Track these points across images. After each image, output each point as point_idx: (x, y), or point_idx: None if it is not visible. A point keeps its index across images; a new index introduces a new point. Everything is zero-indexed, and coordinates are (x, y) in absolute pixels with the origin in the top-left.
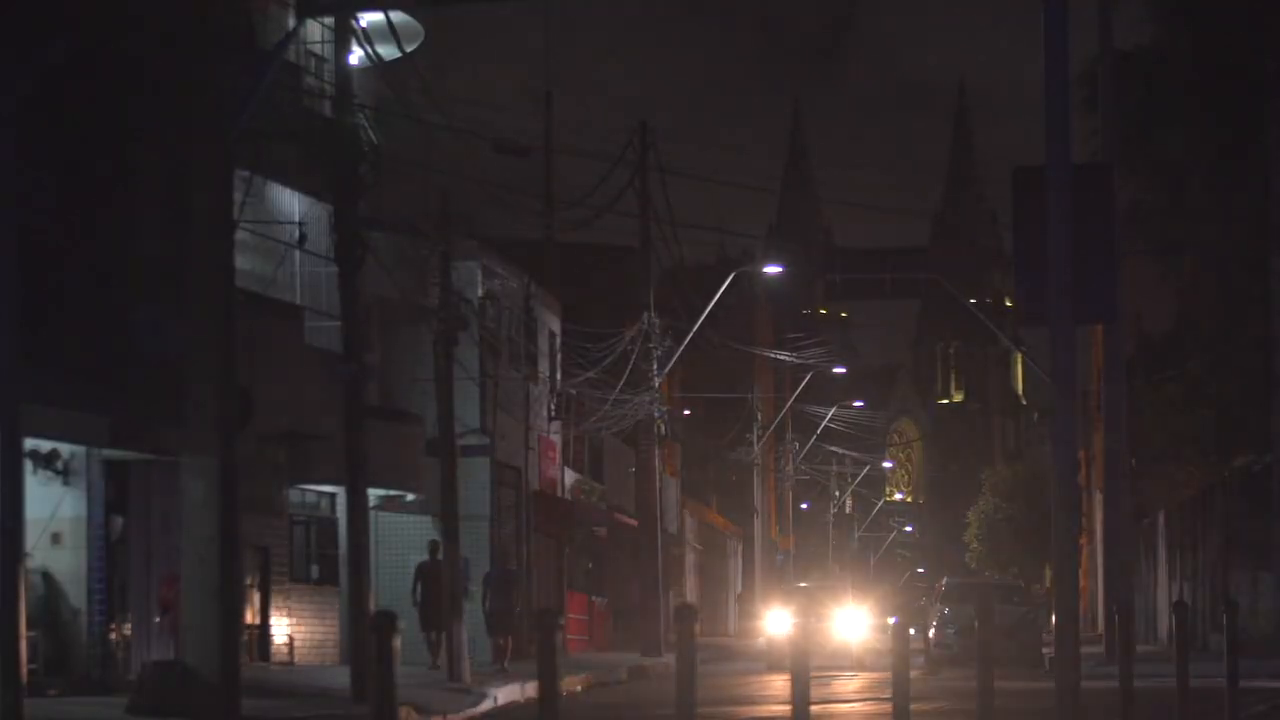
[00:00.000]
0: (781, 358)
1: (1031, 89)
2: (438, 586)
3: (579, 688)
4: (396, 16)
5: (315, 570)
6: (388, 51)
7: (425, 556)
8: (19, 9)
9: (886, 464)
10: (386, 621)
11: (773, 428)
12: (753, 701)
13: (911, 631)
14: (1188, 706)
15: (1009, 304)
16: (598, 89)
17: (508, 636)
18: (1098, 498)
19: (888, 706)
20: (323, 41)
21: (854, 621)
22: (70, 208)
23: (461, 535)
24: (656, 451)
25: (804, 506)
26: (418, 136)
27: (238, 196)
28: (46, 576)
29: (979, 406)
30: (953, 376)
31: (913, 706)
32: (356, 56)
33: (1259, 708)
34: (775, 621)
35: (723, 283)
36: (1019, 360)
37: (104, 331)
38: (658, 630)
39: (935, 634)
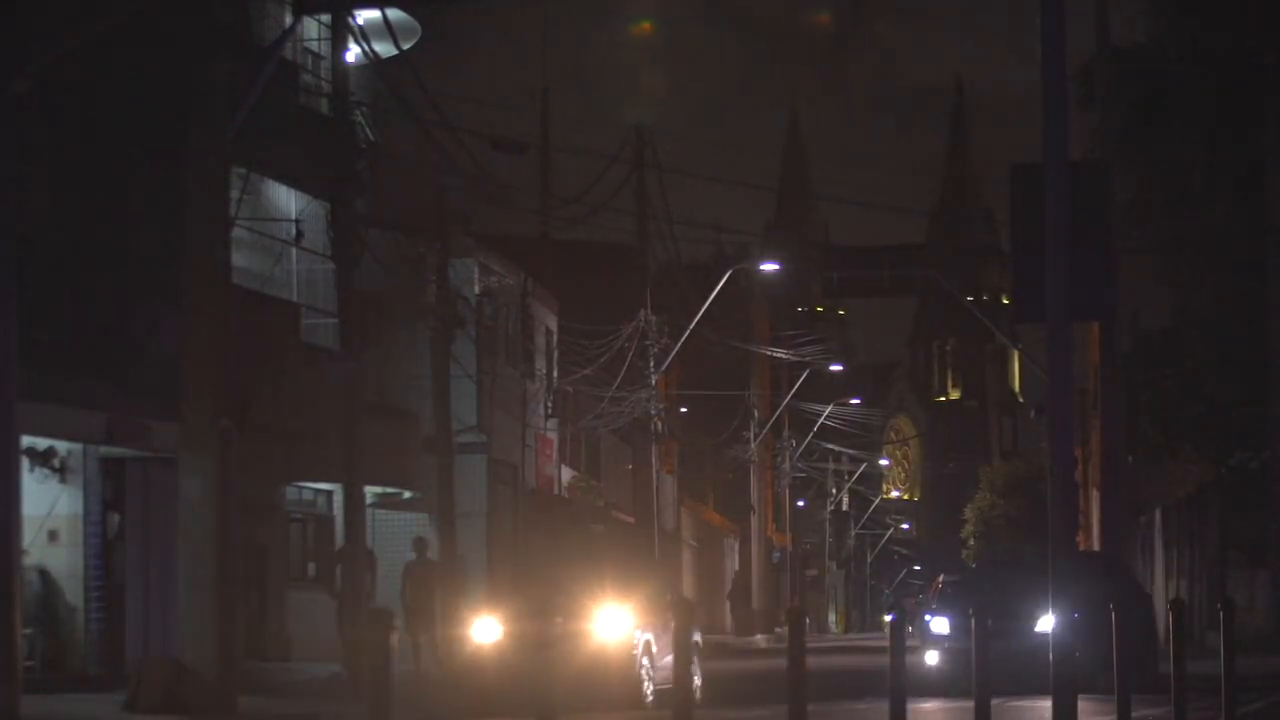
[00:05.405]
0: (778, 355)
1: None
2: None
3: None
4: (393, 14)
5: (312, 568)
6: (384, 49)
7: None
8: (19, 8)
9: (883, 461)
10: (384, 619)
11: (769, 425)
12: None
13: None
14: (1185, 705)
15: (1006, 301)
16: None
17: (429, 634)
18: (1095, 495)
19: None
20: (319, 39)
21: (615, 628)
22: (69, 207)
23: (458, 533)
24: (654, 449)
25: (800, 504)
26: (416, 134)
27: (235, 194)
28: (43, 574)
29: (976, 403)
30: (950, 373)
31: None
32: (353, 54)
33: (1255, 705)
34: (484, 630)
35: (719, 280)
36: (1016, 357)
37: (102, 330)
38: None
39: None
